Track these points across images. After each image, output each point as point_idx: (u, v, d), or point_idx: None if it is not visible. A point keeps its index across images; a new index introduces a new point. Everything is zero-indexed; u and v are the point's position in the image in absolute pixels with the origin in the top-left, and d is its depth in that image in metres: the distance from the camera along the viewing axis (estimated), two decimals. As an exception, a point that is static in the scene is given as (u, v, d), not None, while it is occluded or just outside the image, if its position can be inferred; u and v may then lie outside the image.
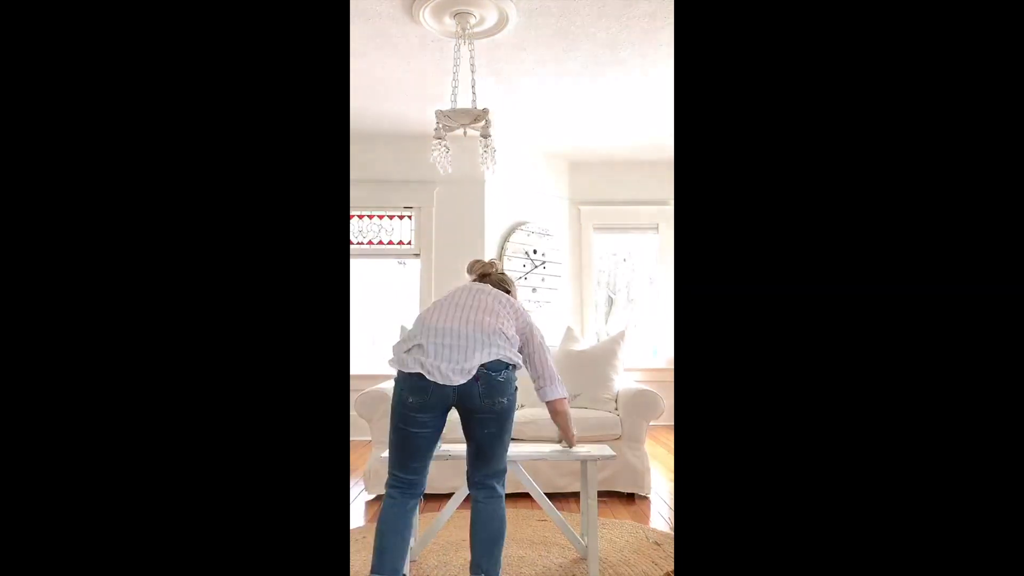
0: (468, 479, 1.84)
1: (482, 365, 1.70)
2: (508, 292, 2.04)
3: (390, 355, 1.84)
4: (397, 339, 3.53)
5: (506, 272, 2.14)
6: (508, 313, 1.86)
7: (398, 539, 1.70)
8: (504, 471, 1.84)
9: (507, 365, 1.75)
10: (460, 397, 1.70)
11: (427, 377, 1.66)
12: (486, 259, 2.13)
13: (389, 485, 1.78)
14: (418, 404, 1.68)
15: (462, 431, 1.81)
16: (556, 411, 1.95)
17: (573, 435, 2.10)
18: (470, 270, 2.11)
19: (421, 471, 1.78)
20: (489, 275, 2.08)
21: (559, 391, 1.89)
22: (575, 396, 3.06)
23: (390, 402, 3.11)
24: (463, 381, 1.67)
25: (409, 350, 1.73)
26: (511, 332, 1.82)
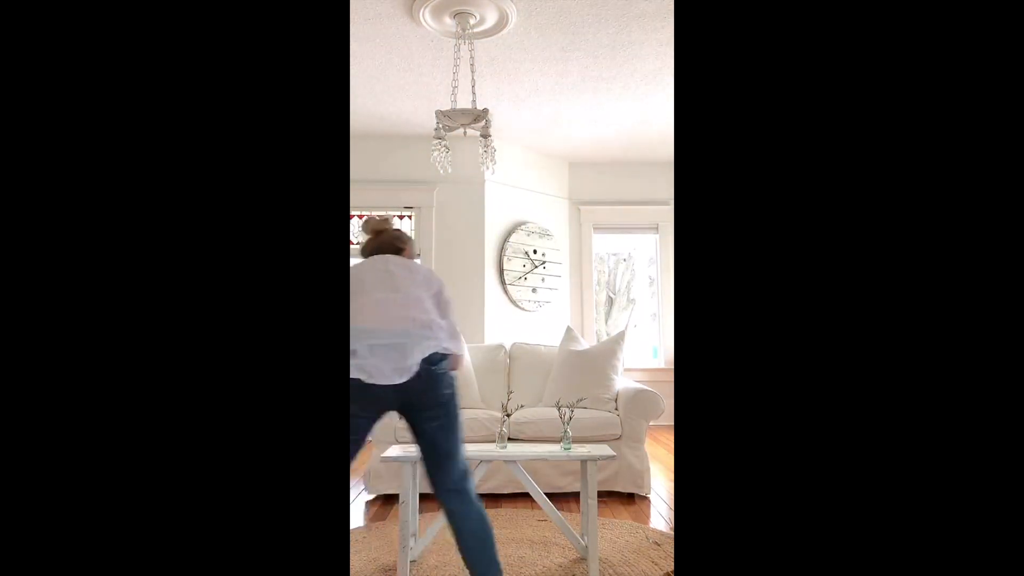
0: (436, 488, 1.75)
1: (422, 360, 1.66)
2: (402, 250, 1.94)
3: None
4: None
5: (401, 229, 2.03)
6: (423, 291, 1.79)
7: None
8: (467, 470, 1.76)
9: (444, 356, 1.71)
10: (402, 396, 1.66)
11: (365, 380, 1.62)
12: (385, 221, 1.98)
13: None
14: (357, 410, 1.65)
15: (411, 435, 1.76)
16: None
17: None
18: (364, 228, 1.99)
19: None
20: (383, 232, 1.96)
21: (457, 347, 1.81)
22: (580, 400, 3.06)
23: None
24: (403, 380, 1.63)
25: None
26: (436, 316, 1.76)
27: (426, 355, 1.67)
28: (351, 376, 1.63)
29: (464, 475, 1.75)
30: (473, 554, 1.69)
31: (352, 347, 1.66)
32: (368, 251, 1.94)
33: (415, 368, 1.64)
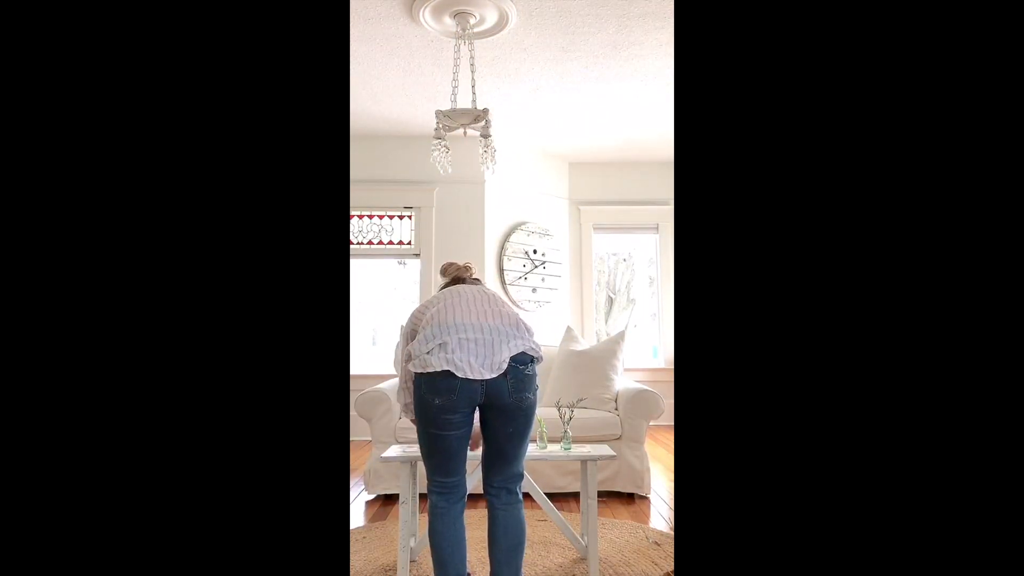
0: (485, 483, 1.77)
1: (511, 358, 1.64)
2: (478, 282, 2.02)
3: (393, 357, 1.79)
4: (398, 340, 3.53)
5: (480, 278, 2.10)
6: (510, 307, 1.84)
7: (455, 548, 1.67)
8: (522, 475, 1.77)
9: (532, 358, 1.69)
10: (488, 393, 1.63)
11: (456, 374, 1.59)
12: (461, 262, 2.05)
13: (432, 492, 1.73)
14: (445, 404, 1.62)
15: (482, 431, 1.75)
16: None
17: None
18: (445, 272, 2.05)
19: (460, 472, 1.73)
20: (465, 280, 2.01)
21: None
22: (580, 400, 3.06)
23: (390, 402, 3.12)
24: (493, 375, 1.61)
25: (431, 350, 1.65)
26: (528, 323, 1.77)
27: (515, 353, 1.65)
28: (441, 368, 1.60)
29: (518, 478, 1.76)
30: (502, 554, 1.69)
31: (442, 339, 1.65)
32: (448, 284, 2.01)
33: (504, 365, 1.63)
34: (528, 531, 2.59)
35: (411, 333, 1.80)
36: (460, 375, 1.59)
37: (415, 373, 1.67)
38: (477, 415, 1.73)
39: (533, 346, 1.70)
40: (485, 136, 3.05)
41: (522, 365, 1.66)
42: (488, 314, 1.72)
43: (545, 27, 3.29)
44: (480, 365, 1.61)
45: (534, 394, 1.69)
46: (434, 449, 1.69)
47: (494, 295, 1.84)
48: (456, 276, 2.01)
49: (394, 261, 5.23)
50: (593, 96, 4.21)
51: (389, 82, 4.00)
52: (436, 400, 1.62)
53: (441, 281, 2.05)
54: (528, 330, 1.74)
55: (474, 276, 2.03)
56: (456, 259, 2.12)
